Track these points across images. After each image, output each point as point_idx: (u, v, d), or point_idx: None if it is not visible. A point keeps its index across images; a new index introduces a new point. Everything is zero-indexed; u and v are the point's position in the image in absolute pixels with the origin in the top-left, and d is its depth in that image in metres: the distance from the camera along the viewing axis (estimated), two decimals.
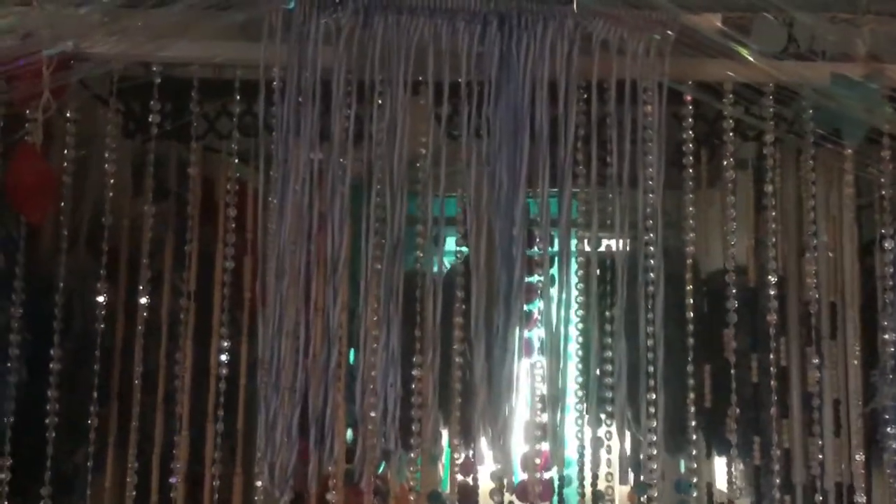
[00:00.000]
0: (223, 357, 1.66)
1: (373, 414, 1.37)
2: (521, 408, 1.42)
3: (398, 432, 1.34)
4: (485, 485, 1.71)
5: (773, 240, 1.71)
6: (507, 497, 1.68)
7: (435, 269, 1.45)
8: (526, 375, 1.52)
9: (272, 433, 1.32)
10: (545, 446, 1.49)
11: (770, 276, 1.63)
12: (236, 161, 1.69)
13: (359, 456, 1.35)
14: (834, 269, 1.76)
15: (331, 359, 1.34)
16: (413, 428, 1.50)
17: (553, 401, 1.35)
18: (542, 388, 1.51)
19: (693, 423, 1.60)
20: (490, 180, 1.38)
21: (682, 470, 1.76)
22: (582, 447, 1.76)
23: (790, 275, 1.82)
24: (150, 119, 1.63)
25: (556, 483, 1.75)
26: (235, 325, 1.71)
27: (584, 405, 1.70)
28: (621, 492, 1.79)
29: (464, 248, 1.58)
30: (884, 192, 1.61)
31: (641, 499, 1.76)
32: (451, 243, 1.65)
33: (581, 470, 1.76)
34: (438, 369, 1.40)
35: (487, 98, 1.40)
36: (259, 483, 1.43)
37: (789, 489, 1.70)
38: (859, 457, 1.65)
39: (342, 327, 1.38)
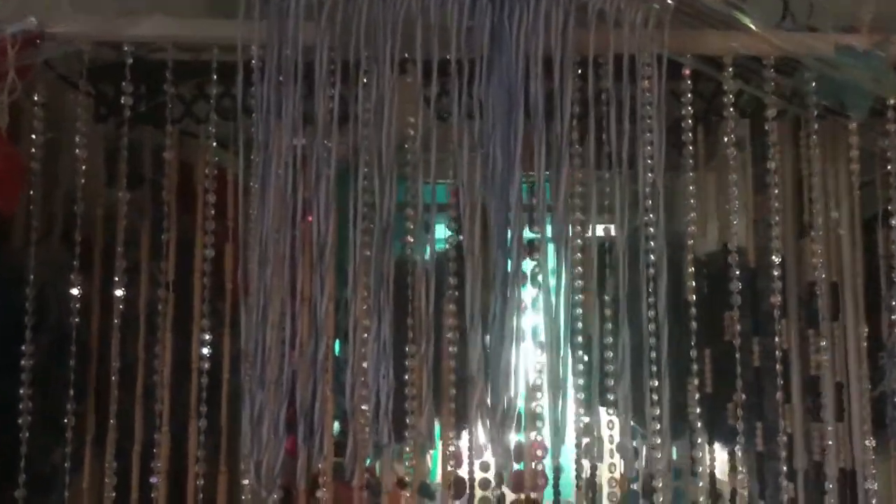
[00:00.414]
0: (205, 350, 1.58)
1: (364, 407, 1.31)
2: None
3: (391, 425, 1.28)
4: (477, 476, 1.66)
5: (776, 219, 1.66)
6: (500, 490, 1.65)
7: (427, 256, 1.38)
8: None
9: (258, 429, 1.25)
10: (535, 435, 1.43)
11: (774, 257, 1.57)
12: (214, 145, 1.61)
13: (350, 452, 1.28)
14: (836, 248, 1.70)
15: (318, 350, 1.27)
16: (407, 420, 1.44)
17: (554, 389, 1.29)
18: (535, 377, 1.46)
19: (696, 410, 1.54)
20: (484, 161, 1.31)
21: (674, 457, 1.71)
22: (579, 436, 1.70)
23: (789, 255, 1.76)
24: (122, 101, 1.55)
25: (552, 473, 1.70)
26: (217, 316, 1.64)
27: (581, 393, 1.64)
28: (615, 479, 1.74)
29: (453, 233, 1.52)
30: (889, 167, 1.55)
31: (633, 486, 1.74)
32: (440, 230, 1.59)
33: (578, 459, 1.70)
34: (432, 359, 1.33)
35: (479, 75, 1.33)
36: (245, 482, 1.35)
37: (793, 476, 1.65)
38: (869, 442, 1.59)
39: (329, 317, 1.31)
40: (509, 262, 1.28)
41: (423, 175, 1.33)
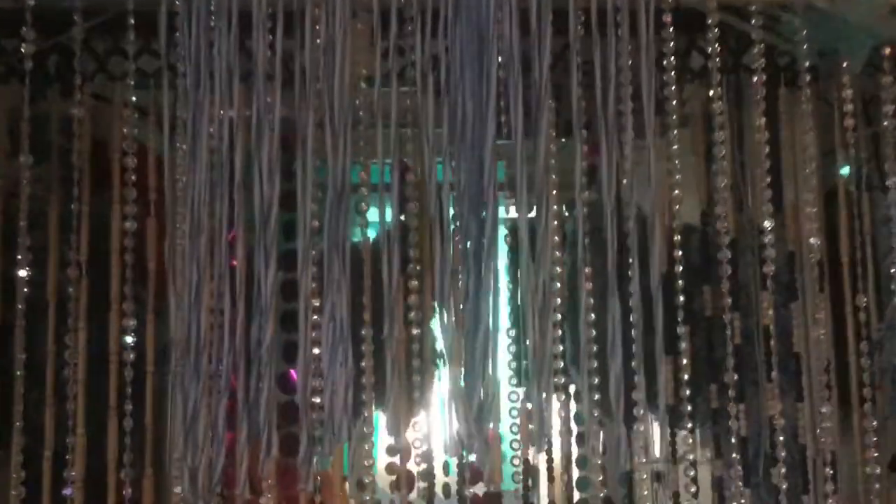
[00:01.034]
0: (127, 339, 1.37)
1: (317, 400, 1.11)
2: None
3: (351, 420, 1.08)
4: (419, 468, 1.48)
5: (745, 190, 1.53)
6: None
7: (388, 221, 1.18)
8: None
9: (192, 429, 1.05)
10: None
11: (765, 222, 1.43)
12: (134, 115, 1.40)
13: (303, 453, 1.08)
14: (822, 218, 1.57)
15: (263, 335, 1.07)
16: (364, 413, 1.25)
17: (537, 374, 1.11)
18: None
19: (679, 393, 1.38)
20: (451, 112, 1.12)
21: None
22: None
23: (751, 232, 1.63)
24: (22, 50, 1.32)
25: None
26: (139, 300, 1.42)
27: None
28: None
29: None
30: (886, 123, 1.42)
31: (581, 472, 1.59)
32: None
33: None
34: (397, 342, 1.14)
35: (444, 15, 1.14)
36: (178, 490, 1.14)
37: (775, 461, 1.51)
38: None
39: (275, 297, 1.10)
40: (485, 229, 1.09)
41: (381, 124, 1.13)
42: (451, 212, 1.12)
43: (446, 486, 1.52)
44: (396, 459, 1.51)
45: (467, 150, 1.11)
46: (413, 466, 1.44)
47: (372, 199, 1.28)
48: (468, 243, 1.10)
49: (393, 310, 1.11)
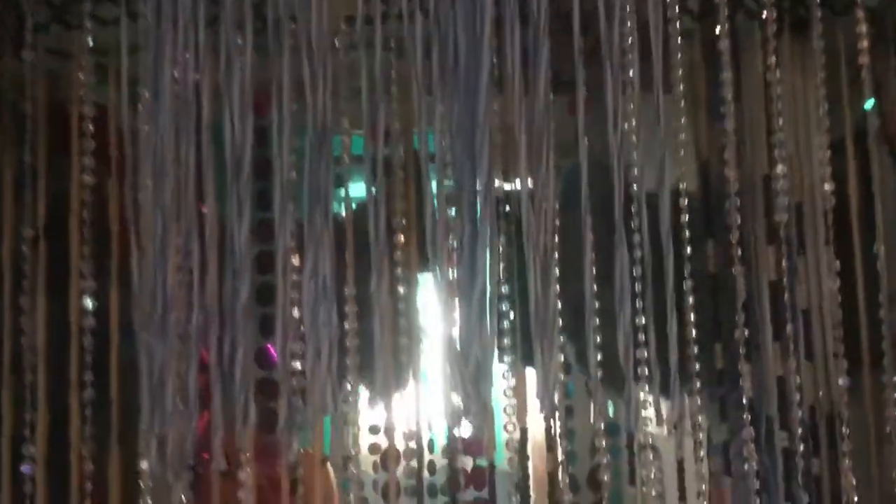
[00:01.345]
0: (87, 303, 1.25)
1: (297, 364, 1.01)
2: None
3: (336, 388, 0.97)
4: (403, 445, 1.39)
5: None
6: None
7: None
8: None
9: (160, 396, 0.93)
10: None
11: (777, 167, 1.32)
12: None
13: (284, 422, 0.97)
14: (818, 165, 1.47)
15: (240, 292, 0.96)
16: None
17: (539, 334, 1.00)
18: None
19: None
20: (443, 43, 1.01)
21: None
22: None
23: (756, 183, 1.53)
24: None
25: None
26: (101, 263, 1.30)
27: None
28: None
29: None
30: None
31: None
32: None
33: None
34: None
35: None
36: (144, 465, 1.03)
37: (785, 424, 1.42)
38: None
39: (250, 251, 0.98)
40: (481, 178, 0.98)
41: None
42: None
43: (431, 463, 1.43)
44: (379, 438, 1.43)
45: (459, 86, 1.00)
46: (400, 444, 1.35)
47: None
48: (464, 185, 0.99)
49: (381, 263, 0.99)
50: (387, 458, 1.37)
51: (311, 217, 0.96)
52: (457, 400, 1.00)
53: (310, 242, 0.96)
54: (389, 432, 1.36)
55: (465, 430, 1.43)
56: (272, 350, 1.28)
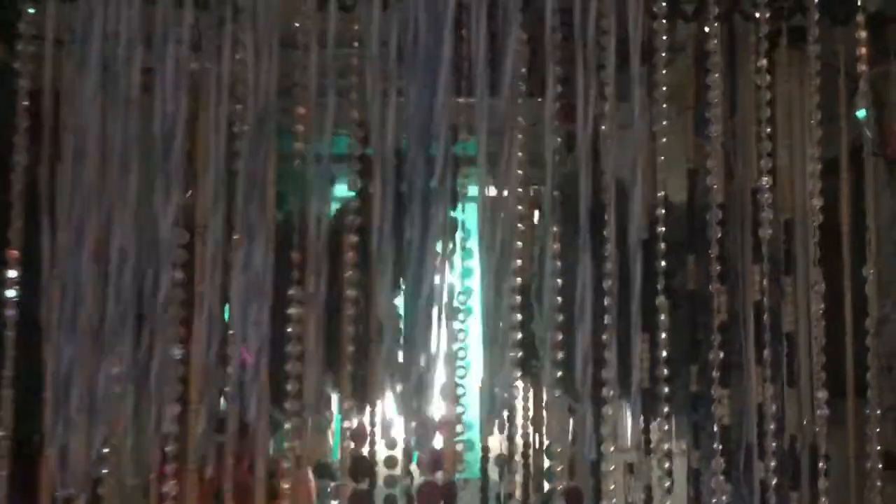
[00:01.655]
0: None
1: (230, 370, 0.91)
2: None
3: (262, 394, 0.88)
4: (382, 454, 1.32)
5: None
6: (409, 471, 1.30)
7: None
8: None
9: (64, 398, 0.84)
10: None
11: (762, 180, 1.22)
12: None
13: (202, 430, 0.88)
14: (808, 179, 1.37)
15: (160, 285, 0.86)
16: (288, 387, 1.05)
17: (490, 344, 0.91)
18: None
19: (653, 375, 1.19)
20: (401, 26, 0.92)
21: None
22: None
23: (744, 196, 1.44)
24: None
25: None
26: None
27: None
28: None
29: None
30: None
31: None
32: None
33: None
34: (323, 308, 0.94)
35: None
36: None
37: (760, 453, 1.33)
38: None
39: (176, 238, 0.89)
40: (436, 170, 0.89)
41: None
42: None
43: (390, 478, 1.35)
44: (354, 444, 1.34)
45: (419, 70, 0.91)
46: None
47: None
48: (413, 188, 0.89)
49: (319, 263, 0.90)
50: (361, 467, 1.29)
51: (245, 207, 0.87)
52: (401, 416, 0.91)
53: (242, 234, 0.87)
54: (360, 438, 1.28)
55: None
56: (245, 354, 1.19)
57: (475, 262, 1.29)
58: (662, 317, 1.11)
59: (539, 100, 1.16)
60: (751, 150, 1.42)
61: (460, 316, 1.03)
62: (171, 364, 0.89)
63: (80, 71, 0.86)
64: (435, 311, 0.91)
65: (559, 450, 1.25)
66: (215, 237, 0.87)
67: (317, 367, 0.91)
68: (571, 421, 1.51)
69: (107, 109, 0.87)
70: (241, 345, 0.86)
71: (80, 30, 0.86)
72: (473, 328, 1.00)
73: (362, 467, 1.31)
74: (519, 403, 1.70)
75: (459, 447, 1.19)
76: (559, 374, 1.18)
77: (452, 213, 1.19)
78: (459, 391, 1.05)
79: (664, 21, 1.10)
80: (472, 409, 1.25)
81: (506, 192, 0.93)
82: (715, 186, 1.18)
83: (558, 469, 1.24)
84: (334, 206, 1.20)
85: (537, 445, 1.71)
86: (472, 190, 1.10)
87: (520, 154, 1.09)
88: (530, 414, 1.71)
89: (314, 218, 0.89)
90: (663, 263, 1.12)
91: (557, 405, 1.57)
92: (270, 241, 0.88)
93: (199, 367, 0.89)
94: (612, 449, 1.19)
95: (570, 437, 1.54)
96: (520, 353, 1.12)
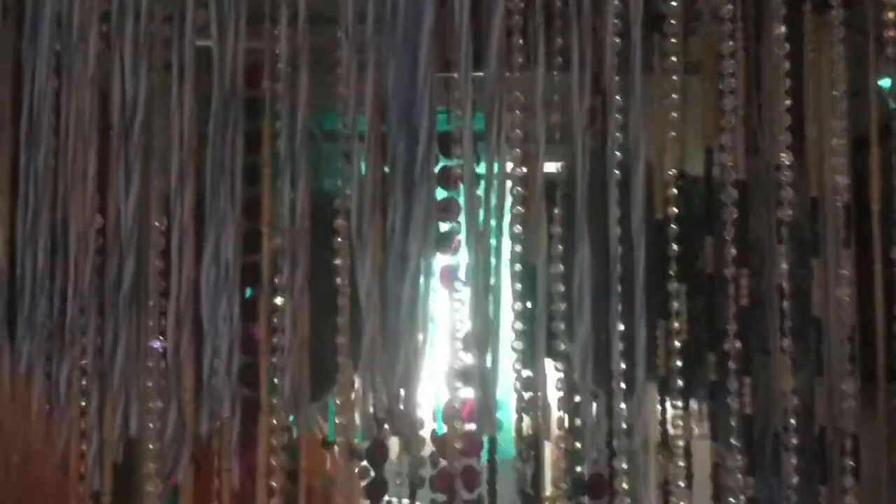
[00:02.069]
0: None
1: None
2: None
3: (236, 389, 0.82)
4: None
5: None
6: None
7: None
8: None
9: None
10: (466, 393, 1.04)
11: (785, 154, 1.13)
12: None
13: (171, 431, 0.82)
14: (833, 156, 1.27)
15: (123, 274, 0.80)
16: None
17: (479, 340, 0.84)
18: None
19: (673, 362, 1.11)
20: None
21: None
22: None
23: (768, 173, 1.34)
24: None
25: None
26: None
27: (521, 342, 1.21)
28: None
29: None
30: None
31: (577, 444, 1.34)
32: None
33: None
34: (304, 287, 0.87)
35: None
36: None
37: (786, 445, 1.24)
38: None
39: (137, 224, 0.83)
40: (419, 150, 0.82)
41: None
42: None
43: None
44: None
45: (397, 38, 0.83)
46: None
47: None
48: (397, 162, 0.82)
49: (296, 247, 0.83)
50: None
51: (214, 192, 0.80)
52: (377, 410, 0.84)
53: (211, 222, 0.80)
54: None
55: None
56: (257, 333, 1.14)
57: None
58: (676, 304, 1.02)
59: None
60: (770, 125, 1.33)
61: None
62: (144, 358, 0.83)
63: (31, 46, 0.80)
64: (421, 295, 0.83)
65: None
66: (182, 226, 0.81)
67: (296, 359, 0.84)
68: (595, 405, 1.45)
69: (62, 89, 0.81)
70: (210, 340, 0.80)
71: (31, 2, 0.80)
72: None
73: (379, 452, 1.25)
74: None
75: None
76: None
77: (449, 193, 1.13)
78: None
79: None
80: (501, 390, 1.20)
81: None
82: (730, 164, 1.08)
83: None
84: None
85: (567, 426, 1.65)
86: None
87: (518, 131, 1.03)
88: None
89: (287, 202, 0.81)
90: (676, 246, 1.03)
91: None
92: (239, 230, 0.81)
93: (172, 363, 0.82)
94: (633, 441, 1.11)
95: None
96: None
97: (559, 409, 1.61)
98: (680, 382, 1.09)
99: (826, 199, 1.26)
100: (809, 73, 1.29)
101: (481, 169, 0.94)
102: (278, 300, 1.00)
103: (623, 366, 0.94)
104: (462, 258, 1.13)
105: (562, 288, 1.03)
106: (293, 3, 0.88)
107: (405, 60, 0.83)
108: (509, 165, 0.96)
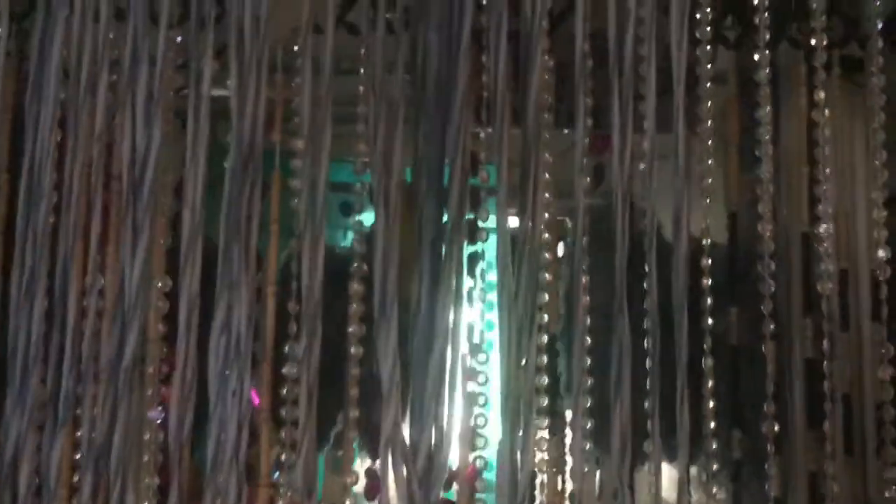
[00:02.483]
0: None
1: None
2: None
3: (242, 474, 0.74)
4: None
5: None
6: None
7: None
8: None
9: (11, 479, 0.70)
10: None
11: (820, 227, 1.08)
12: None
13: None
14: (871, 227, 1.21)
15: (126, 343, 0.73)
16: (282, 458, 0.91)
17: (511, 413, 0.76)
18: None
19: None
20: (410, 50, 0.79)
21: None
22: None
23: (792, 242, 1.29)
24: None
25: None
26: None
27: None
28: None
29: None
30: None
31: None
32: None
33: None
34: (318, 363, 0.80)
35: None
36: None
37: None
38: None
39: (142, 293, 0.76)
40: (445, 210, 0.76)
41: None
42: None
43: None
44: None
45: (429, 101, 0.78)
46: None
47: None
48: (423, 222, 0.76)
49: (315, 317, 0.76)
50: None
51: (227, 253, 0.74)
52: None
53: (222, 287, 0.74)
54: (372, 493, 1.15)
55: None
56: (255, 394, 1.07)
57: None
58: (710, 382, 0.96)
59: (565, 131, 1.04)
60: (797, 192, 1.28)
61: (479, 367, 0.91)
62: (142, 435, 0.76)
63: (36, 96, 0.73)
64: (448, 372, 0.77)
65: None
66: (190, 292, 0.74)
67: (310, 444, 0.76)
68: (598, 473, 1.38)
69: (66, 142, 0.75)
70: (217, 418, 0.72)
71: (37, 48, 0.74)
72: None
73: None
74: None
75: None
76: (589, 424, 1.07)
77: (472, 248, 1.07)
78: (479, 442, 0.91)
79: (708, 48, 0.96)
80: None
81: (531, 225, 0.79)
82: (768, 234, 1.03)
83: None
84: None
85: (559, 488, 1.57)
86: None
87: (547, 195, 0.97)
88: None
89: (307, 266, 0.75)
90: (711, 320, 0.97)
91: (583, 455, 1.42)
92: (253, 297, 0.74)
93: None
94: None
95: (596, 488, 1.40)
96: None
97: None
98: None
99: (854, 271, 1.22)
100: (834, 138, 1.25)
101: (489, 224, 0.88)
102: (285, 369, 0.93)
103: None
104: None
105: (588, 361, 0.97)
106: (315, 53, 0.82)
107: (437, 116, 0.78)
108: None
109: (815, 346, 1.21)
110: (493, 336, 1.07)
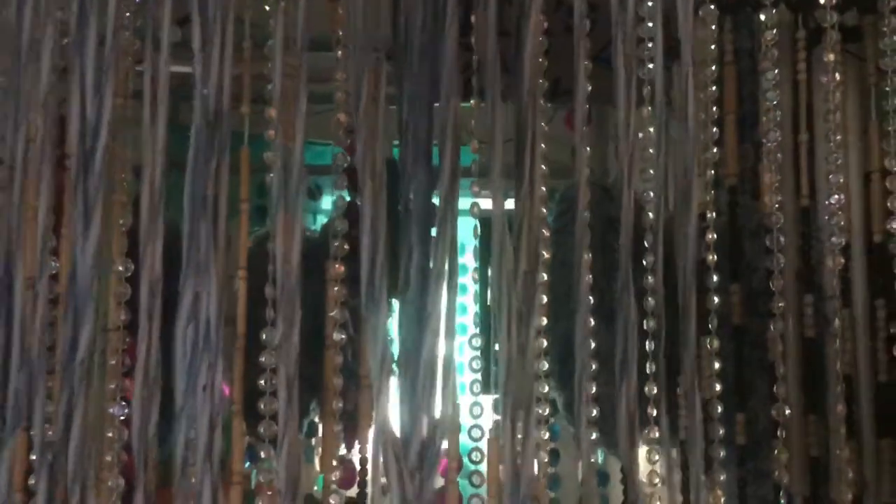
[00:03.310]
0: None
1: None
2: None
3: (217, 475, 0.67)
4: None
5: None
6: None
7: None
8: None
9: None
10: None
11: (834, 196, 1.02)
12: None
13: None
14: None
15: (80, 333, 0.65)
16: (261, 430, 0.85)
17: (510, 406, 0.70)
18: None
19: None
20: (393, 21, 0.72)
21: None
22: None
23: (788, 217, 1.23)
24: None
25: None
26: None
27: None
28: None
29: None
30: None
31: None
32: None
33: None
34: (297, 350, 0.73)
35: None
36: None
37: None
38: None
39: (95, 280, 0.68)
40: (441, 187, 0.70)
41: None
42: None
43: None
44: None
45: (414, 60, 0.70)
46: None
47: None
48: (413, 193, 0.69)
49: (292, 303, 0.69)
50: None
51: (192, 233, 0.66)
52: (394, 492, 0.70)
53: (188, 269, 0.66)
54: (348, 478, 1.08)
55: None
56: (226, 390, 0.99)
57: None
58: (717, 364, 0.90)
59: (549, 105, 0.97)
60: (789, 164, 1.22)
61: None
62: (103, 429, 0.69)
63: None
64: (442, 359, 0.70)
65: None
66: (151, 276, 0.66)
67: (293, 438, 0.69)
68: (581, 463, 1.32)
69: (9, 112, 0.67)
70: (184, 415, 0.65)
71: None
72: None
73: None
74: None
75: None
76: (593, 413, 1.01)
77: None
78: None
79: (712, 7, 0.90)
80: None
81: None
82: (777, 206, 0.97)
83: None
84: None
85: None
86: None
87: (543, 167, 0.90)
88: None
89: (281, 249, 0.68)
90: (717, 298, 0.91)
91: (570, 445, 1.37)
92: (223, 280, 0.67)
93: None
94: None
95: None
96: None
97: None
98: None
99: (857, 245, 1.16)
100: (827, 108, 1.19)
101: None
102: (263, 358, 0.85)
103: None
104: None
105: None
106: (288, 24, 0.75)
107: (423, 89, 0.70)
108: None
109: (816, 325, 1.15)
110: (465, 320, 1.01)
